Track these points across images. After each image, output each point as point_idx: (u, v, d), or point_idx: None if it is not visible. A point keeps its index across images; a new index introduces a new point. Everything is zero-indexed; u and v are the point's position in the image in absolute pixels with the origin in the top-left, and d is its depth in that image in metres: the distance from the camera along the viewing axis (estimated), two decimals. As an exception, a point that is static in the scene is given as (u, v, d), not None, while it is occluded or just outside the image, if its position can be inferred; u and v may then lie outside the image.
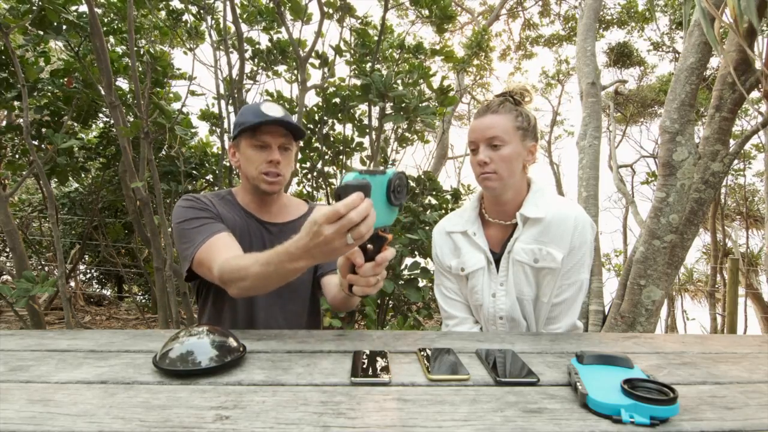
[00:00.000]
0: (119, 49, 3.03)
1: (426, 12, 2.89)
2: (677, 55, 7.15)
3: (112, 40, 3.00)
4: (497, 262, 1.16)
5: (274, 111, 1.13)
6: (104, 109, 3.11)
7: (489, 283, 1.16)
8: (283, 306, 1.19)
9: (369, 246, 0.81)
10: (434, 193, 3.22)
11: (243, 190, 1.24)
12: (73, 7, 2.43)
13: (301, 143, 3.07)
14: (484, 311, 1.17)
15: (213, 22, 3.07)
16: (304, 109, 2.96)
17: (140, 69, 2.75)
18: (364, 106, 3.09)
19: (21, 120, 2.48)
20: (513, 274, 1.13)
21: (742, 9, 1.51)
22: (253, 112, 1.13)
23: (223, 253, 1.02)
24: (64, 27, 2.39)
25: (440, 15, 2.87)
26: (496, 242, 1.19)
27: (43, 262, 4.84)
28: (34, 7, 2.26)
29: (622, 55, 7.80)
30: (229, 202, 1.22)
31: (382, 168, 0.79)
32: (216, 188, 3.60)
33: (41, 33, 2.36)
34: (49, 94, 2.82)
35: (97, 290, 5.46)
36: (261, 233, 1.20)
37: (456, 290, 1.25)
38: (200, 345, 0.74)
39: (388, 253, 0.82)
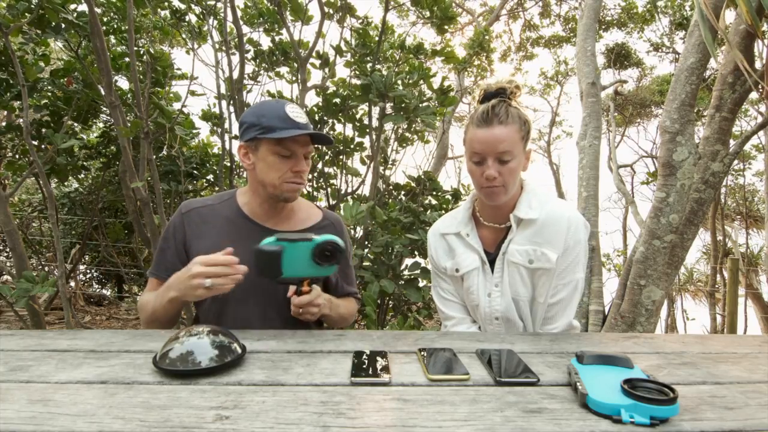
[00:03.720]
0: (119, 49, 3.02)
1: (427, 13, 2.89)
2: (677, 56, 7.15)
3: (113, 39, 3.00)
4: (492, 262, 1.16)
5: (300, 116, 1.07)
6: (104, 109, 3.11)
7: (484, 284, 1.16)
8: (283, 317, 1.15)
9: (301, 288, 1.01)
10: (434, 193, 3.22)
11: (250, 193, 1.17)
12: (72, 6, 2.42)
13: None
14: (480, 311, 1.18)
15: (215, 22, 3.07)
16: (304, 110, 2.96)
17: (140, 69, 2.75)
18: (364, 106, 3.10)
19: (21, 120, 2.48)
20: (508, 275, 1.13)
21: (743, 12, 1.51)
22: (277, 115, 1.05)
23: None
24: (63, 26, 2.39)
25: (441, 16, 2.86)
26: (490, 243, 1.19)
27: (43, 262, 4.84)
28: (33, 6, 2.25)
29: (620, 56, 7.79)
30: (228, 206, 1.18)
31: (310, 236, 0.96)
32: (216, 188, 3.61)
33: (40, 32, 2.36)
34: (49, 94, 2.81)
35: (97, 290, 5.46)
36: (258, 240, 1.15)
37: (452, 291, 1.25)
38: (200, 345, 0.74)
39: (300, 298, 0.99)
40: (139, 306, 1.13)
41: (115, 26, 2.93)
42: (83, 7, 2.43)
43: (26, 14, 2.27)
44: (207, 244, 1.12)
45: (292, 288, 1.02)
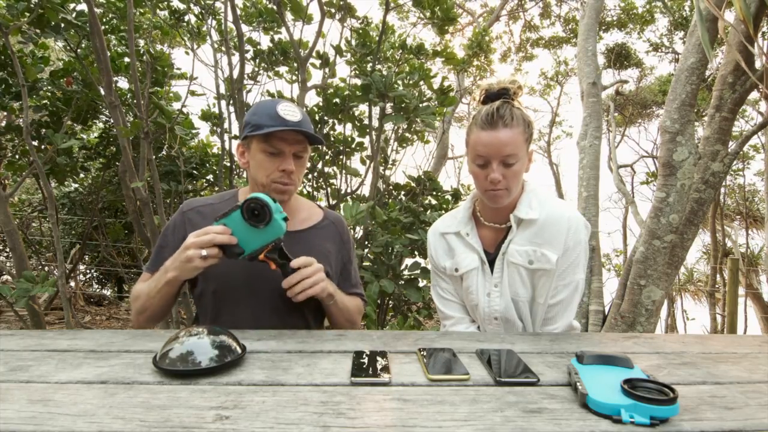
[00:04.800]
0: (119, 49, 3.02)
1: (428, 13, 2.89)
2: (676, 56, 7.16)
3: (114, 40, 2.99)
4: (492, 262, 1.16)
5: (292, 114, 1.05)
6: (104, 109, 3.11)
7: (483, 284, 1.16)
8: (282, 318, 1.15)
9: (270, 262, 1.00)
10: (434, 193, 3.22)
11: (249, 191, 1.18)
12: (71, 5, 2.41)
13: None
14: (479, 311, 1.17)
15: (214, 22, 3.07)
16: (304, 109, 2.96)
17: (140, 68, 2.74)
18: (364, 106, 3.10)
19: (21, 120, 2.47)
20: (508, 275, 1.13)
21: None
22: (268, 113, 1.04)
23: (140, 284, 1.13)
24: (62, 26, 2.38)
25: (442, 17, 2.86)
26: (490, 243, 1.18)
27: (43, 262, 4.84)
28: (32, 5, 2.24)
29: (620, 56, 7.79)
30: (229, 206, 1.16)
31: (235, 204, 0.94)
32: (216, 188, 3.61)
33: (39, 32, 2.35)
34: (49, 94, 2.81)
35: (97, 290, 5.46)
36: None
37: (452, 291, 1.25)
38: (200, 345, 0.74)
39: (290, 278, 0.99)
40: (132, 296, 1.12)
41: (114, 25, 2.92)
42: (81, 7, 2.43)
43: (25, 14, 2.27)
44: None
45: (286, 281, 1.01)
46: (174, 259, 0.98)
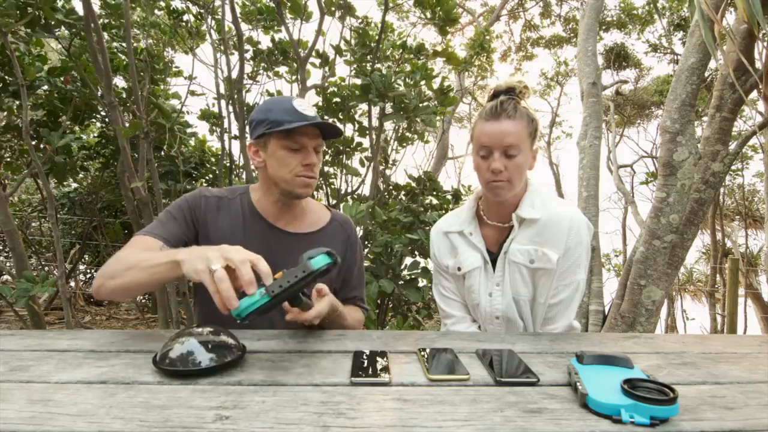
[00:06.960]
0: (115, 45, 3.00)
1: (429, 14, 2.89)
2: (675, 57, 7.16)
3: (106, 36, 2.98)
4: (494, 262, 1.16)
5: (309, 109, 1.07)
6: (101, 109, 3.09)
7: (485, 283, 1.16)
8: (285, 321, 1.14)
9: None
10: (434, 193, 3.23)
11: (261, 191, 1.16)
12: (61, 3, 2.38)
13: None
14: (480, 311, 1.18)
15: (213, 22, 3.06)
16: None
17: (139, 66, 2.73)
18: (364, 106, 3.10)
19: (19, 120, 2.47)
20: (509, 274, 1.13)
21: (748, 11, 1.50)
22: (285, 109, 1.05)
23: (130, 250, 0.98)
24: (53, 23, 2.35)
25: (443, 17, 2.86)
26: (493, 242, 1.19)
27: (43, 262, 4.84)
28: (20, 3, 2.21)
29: (619, 56, 7.80)
30: (241, 202, 1.16)
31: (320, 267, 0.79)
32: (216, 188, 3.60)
33: (30, 32, 2.32)
34: (46, 92, 2.80)
35: (97, 290, 5.45)
36: (268, 240, 1.12)
37: (453, 290, 1.25)
38: (200, 345, 0.74)
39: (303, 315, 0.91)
40: (114, 258, 0.96)
41: (106, 23, 2.90)
42: (72, 4, 2.42)
43: (15, 12, 2.23)
44: (219, 235, 1.10)
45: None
46: (198, 250, 0.82)
